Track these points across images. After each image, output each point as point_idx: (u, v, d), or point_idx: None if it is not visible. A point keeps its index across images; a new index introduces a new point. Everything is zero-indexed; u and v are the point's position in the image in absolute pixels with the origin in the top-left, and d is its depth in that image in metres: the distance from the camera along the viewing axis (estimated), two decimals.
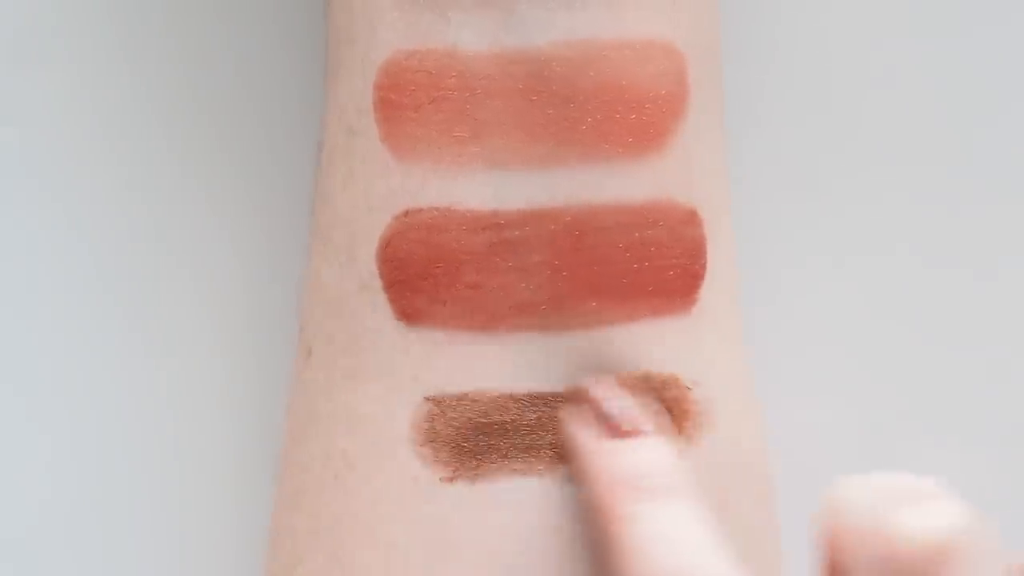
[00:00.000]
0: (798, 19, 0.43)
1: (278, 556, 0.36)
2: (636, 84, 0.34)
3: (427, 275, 0.34)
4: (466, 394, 0.34)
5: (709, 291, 0.35)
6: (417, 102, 0.34)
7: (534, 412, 0.34)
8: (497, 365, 0.34)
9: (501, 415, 0.34)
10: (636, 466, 0.32)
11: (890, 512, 0.28)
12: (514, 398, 0.34)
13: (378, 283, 0.34)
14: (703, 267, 0.35)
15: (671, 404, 0.35)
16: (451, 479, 0.34)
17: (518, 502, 0.34)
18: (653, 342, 0.34)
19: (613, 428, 0.33)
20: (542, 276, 0.34)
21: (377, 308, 0.34)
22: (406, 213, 0.34)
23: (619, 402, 0.34)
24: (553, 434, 0.34)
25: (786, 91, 0.43)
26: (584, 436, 0.33)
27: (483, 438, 0.34)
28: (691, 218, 0.35)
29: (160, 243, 0.42)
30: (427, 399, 0.34)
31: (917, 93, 0.43)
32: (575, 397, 0.34)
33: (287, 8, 0.42)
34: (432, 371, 0.34)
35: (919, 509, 0.28)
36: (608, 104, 0.34)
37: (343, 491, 0.34)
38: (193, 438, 0.43)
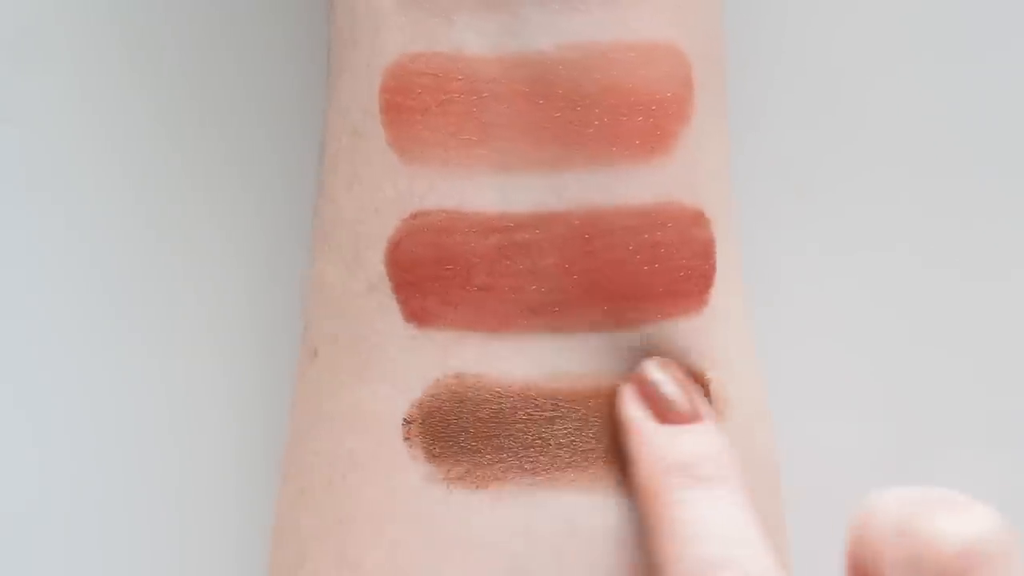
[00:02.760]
0: (800, 21, 0.43)
1: (283, 554, 0.36)
2: (642, 87, 0.34)
3: (437, 277, 0.34)
4: (476, 393, 0.34)
5: (719, 291, 0.35)
6: (424, 105, 0.34)
7: (544, 413, 0.34)
8: (507, 367, 0.34)
9: (511, 416, 0.34)
10: (690, 452, 0.33)
11: (923, 516, 0.28)
12: (524, 399, 0.34)
13: (387, 285, 0.34)
14: (713, 267, 0.35)
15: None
16: (458, 482, 0.34)
17: (526, 504, 0.34)
18: (665, 343, 0.34)
19: (669, 412, 0.34)
20: (552, 278, 0.34)
21: (386, 310, 0.34)
22: (414, 216, 0.34)
23: (676, 386, 0.34)
24: (563, 436, 0.34)
25: (788, 92, 0.43)
26: (640, 418, 0.34)
27: (493, 439, 0.34)
28: (699, 219, 0.35)
29: (163, 244, 0.42)
30: (433, 396, 0.34)
31: (919, 94, 0.43)
32: (633, 379, 0.34)
33: (289, 9, 0.42)
34: (441, 372, 0.34)
35: (951, 514, 0.28)
36: (614, 107, 0.34)
37: (349, 490, 0.34)
38: (197, 437, 0.43)
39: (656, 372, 0.34)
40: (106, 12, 0.42)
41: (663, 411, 0.34)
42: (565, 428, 0.34)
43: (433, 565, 0.34)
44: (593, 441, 0.34)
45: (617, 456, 0.34)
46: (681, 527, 0.32)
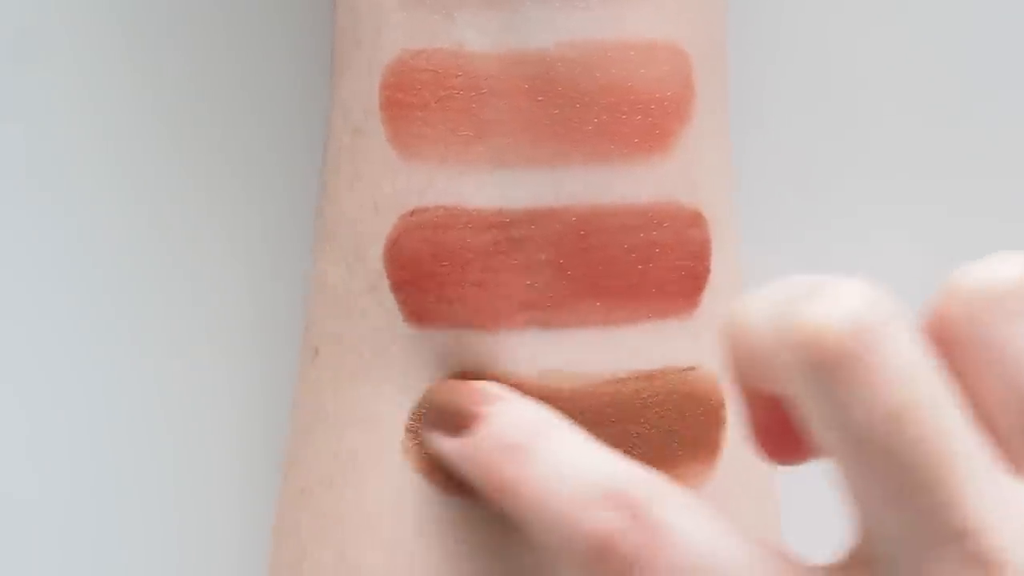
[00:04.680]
0: (802, 20, 0.43)
1: (283, 553, 0.36)
2: (641, 85, 0.34)
3: (433, 274, 0.34)
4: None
5: (713, 293, 0.35)
6: (423, 101, 0.34)
7: None
8: (502, 365, 0.34)
9: None
10: (500, 436, 0.32)
11: (795, 305, 0.26)
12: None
13: (386, 283, 0.34)
14: (707, 269, 0.35)
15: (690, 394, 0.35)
16: (455, 492, 0.34)
17: None
18: (656, 343, 0.34)
19: (460, 420, 0.33)
20: (548, 275, 0.34)
21: (386, 308, 0.34)
22: (413, 213, 0.34)
23: (450, 395, 0.33)
24: None
25: (790, 92, 0.43)
26: (444, 445, 0.33)
27: None
28: (696, 220, 0.35)
29: (165, 243, 0.42)
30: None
31: (921, 94, 0.43)
32: (420, 419, 0.34)
33: (291, 8, 0.42)
34: (441, 371, 0.34)
35: (824, 296, 0.26)
36: (613, 105, 0.34)
37: (350, 490, 0.34)
38: (197, 436, 0.43)
39: (434, 396, 0.34)
40: (107, 11, 0.42)
41: (459, 424, 0.33)
42: None
43: (432, 567, 0.33)
44: None
45: None
46: (533, 487, 0.30)
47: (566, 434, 0.31)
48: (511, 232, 0.34)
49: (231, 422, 0.43)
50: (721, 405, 0.35)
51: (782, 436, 0.30)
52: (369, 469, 0.34)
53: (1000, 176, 0.44)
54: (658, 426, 0.34)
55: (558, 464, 0.30)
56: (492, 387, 0.33)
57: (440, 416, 0.33)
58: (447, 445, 0.33)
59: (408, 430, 0.34)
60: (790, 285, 0.28)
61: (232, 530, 0.43)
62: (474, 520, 0.33)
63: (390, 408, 0.34)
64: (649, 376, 0.34)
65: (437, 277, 0.34)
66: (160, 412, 0.43)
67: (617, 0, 0.34)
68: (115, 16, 0.42)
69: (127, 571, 0.43)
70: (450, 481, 0.33)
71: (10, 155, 0.42)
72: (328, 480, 0.35)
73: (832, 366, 0.26)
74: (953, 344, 0.27)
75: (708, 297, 0.35)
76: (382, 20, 0.34)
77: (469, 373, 0.34)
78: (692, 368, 0.35)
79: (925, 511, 0.26)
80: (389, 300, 0.34)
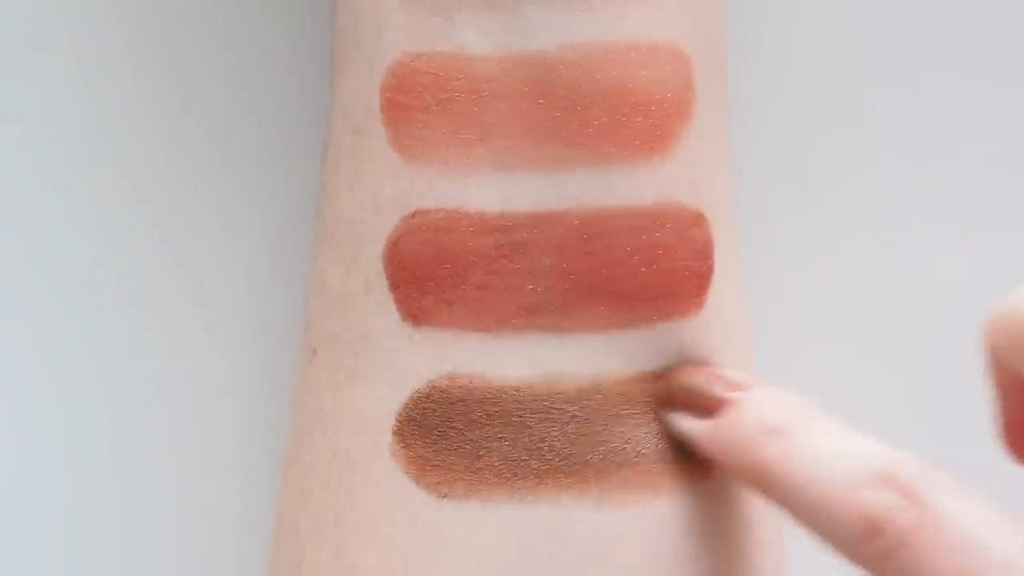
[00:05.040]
0: (802, 19, 0.43)
1: (282, 554, 0.36)
2: (642, 87, 0.34)
3: (434, 276, 0.34)
4: (469, 395, 0.34)
5: (717, 292, 0.35)
6: (425, 103, 0.34)
7: (538, 416, 0.34)
8: (502, 367, 0.34)
9: (505, 419, 0.34)
10: (752, 419, 0.32)
11: None
12: (517, 401, 0.34)
13: (384, 283, 0.34)
14: (710, 269, 0.35)
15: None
16: (450, 486, 0.34)
17: (519, 510, 0.33)
18: (661, 344, 0.34)
19: (715, 404, 0.34)
20: (550, 278, 0.34)
21: (383, 308, 0.34)
22: (414, 214, 0.34)
23: (702, 378, 0.34)
24: (557, 440, 0.34)
25: (790, 91, 0.43)
26: (696, 427, 0.34)
27: (486, 442, 0.34)
28: (698, 220, 0.35)
29: (165, 243, 0.42)
30: (425, 397, 0.34)
31: (921, 93, 0.43)
32: (667, 399, 0.34)
33: (292, 9, 0.42)
34: (437, 372, 0.34)
35: None
36: (614, 107, 0.34)
37: (346, 491, 0.34)
38: (198, 436, 0.43)
39: (684, 381, 0.34)
40: (107, 11, 0.42)
41: (709, 407, 0.34)
42: (559, 432, 0.34)
43: (426, 569, 0.33)
44: (586, 446, 0.34)
45: (611, 461, 0.34)
46: (789, 476, 0.31)
47: (824, 420, 0.32)
48: (513, 235, 0.34)
49: (231, 422, 0.43)
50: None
51: None
52: (364, 471, 0.34)
53: (1002, 175, 0.44)
54: (662, 425, 0.34)
55: (822, 445, 0.31)
56: (740, 374, 0.34)
57: (690, 397, 0.34)
58: (697, 427, 0.33)
59: (395, 433, 0.34)
60: None
61: (232, 530, 0.43)
62: (466, 522, 0.33)
63: (384, 409, 0.34)
64: (655, 376, 0.34)
65: (438, 279, 0.34)
66: (160, 412, 0.43)
67: (618, 1, 0.34)
68: (115, 16, 0.42)
69: (127, 571, 0.43)
70: (440, 484, 0.34)
71: (10, 155, 0.42)
72: (325, 481, 0.35)
73: None
74: None
75: (711, 297, 0.35)
76: (383, 21, 0.34)
77: (467, 375, 0.34)
78: (698, 368, 0.35)
79: None
80: (386, 300, 0.34)
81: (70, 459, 0.43)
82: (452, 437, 0.34)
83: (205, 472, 0.43)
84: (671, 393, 0.34)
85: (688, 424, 0.34)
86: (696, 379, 0.34)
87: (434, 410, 0.34)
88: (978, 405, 0.43)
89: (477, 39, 0.34)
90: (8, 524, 0.43)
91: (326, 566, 0.34)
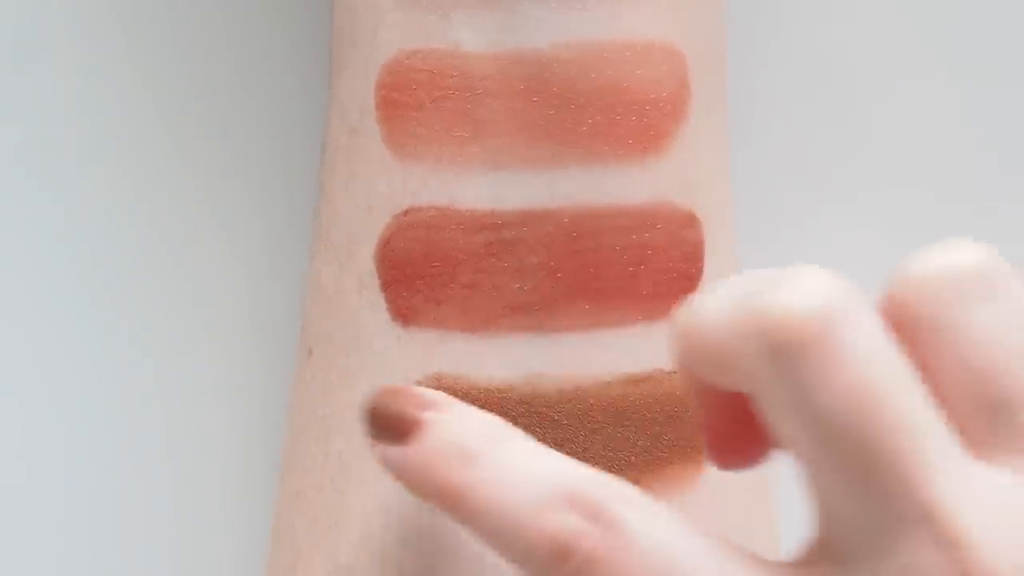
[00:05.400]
0: (800, 19, 0.43)
1: (279, 556, 0.36)
2: (637, 86, 0.34)
3: (424, 274, 0.34)
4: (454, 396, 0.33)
5: None
6: (419, 101, 0.34)
7: (520, 419, 0.34)
8: (487, 368, 0.34)
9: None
10: (448, 442, 0.30)
11: (758, 294, 0.26)
12: (500, 403, 0.34)
13: (376, 282, 0.34)
14: (700, 270, 0.35)
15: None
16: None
17: None
18: (647, 345, 0.34)
19: (399, 429, 0.31)
20: (538, 277, 0.34)
21: (374, 307, 0.34)
22: (406, 212, 0.34)
23: (400, 396, 0.32)
24: (545, 441, 0.34)
25: (789, 91, 0.43)
26: (388, 453, 0.31)
27: None
28: (690, 221, 0.34)
29: (163, 242, 0.42)
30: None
31: (920, 93, 0.43)
32: (366, 424, 0.32)
33: (290, 9, 0.42)
34: (426, 373, 0.34)
35: (788, 283, 0.26)
36: (608, 106, 0.34)
37: (339, 493, 0.34)
38: (197, 437, 0.43)
39: (369, 407, 0.32)
40: (107, 11, 0.42)
41: (402, 431, 0.31)
42: (541, 434, 0.34)
43: (419, 571, 0.33)
44: (568, 450, 0.34)
45: (595, 463, 0.34)
46: (476, 503, 0.29)
47: (516, 440, 0.30)
48: (503, 234, 0.33)
49: (231, 422, 0.43)
50: None
51: (734, 437, 0.29)
52: (353, 473, 0.34)
53: (999, 173, 0.43)
54: (647, 429, 0.34)
55: (510, 468, 0.29)
56: (435, 393, 0.32)
57: (380, 424, 0.31)
58: (389, 454, 0.31)
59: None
60: (746, 280, 0.28)
61: (231, 531, 0.43)
62: (456, 526, 0.33)
63: None
64: (638, 379, 0.34)
65: (427, 278, 0.33)
66: (159, 413, 0.43)
67: (613, 0, 0.34)
68: (115, 16, 0.42)
69: (127, 571, 0.43)
70: None
71: (10, 155, 0.42)
72: (319, 483, 0.35)
73: (797, 350, 0.26)
74: (910, 329, 0.27)
75: None
76: (379, 20, 0.34)
77: (451, 376, 0.34)
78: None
79: (888, 494, 0.25)
80: (378, 299, 0.34)
81: (69, 459, 0.43)
82: None
83: (204, 472, 0.43)
84: (365, 416, 0.32)
85: (382, 452, 0.31)
86: (386, 401, 0.31)
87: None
88: None
89: (472, 37, 0.34)
90: (8, 524, 0.43)
91: (321, 568, 0.34)
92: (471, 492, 0.29)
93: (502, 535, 0.29)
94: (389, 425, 0.31)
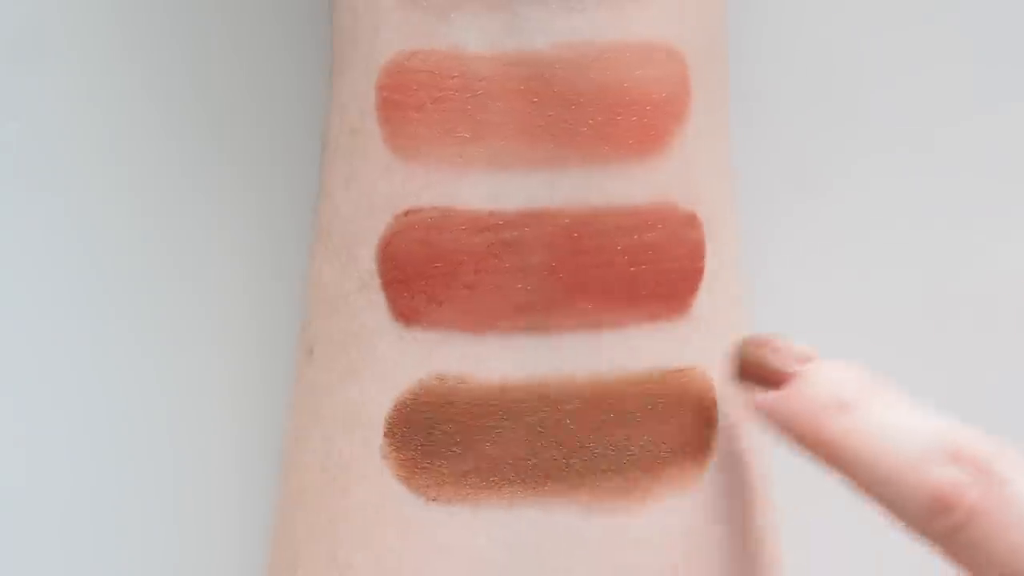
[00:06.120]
0: (802, 19, 0.43)
1: (280, 555, 0.36)
2: (637, 86, 0.34)
3: (425, 275, 0.34)
4: (457, 396, 0.34)
5: (707, 294, 0.35)
6: (419, 102, 0.34)
7: (525, 418, 0.34)
8: (489, 368, 0.34)
9: (491, 421, 0.34)
10: (820, 391, 0.32)
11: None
12: (503, 403, 0.34)
13: (377, 282, 0.34)
14: (700, 271, 0.35)
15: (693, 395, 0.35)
16: (438, 489, 0.34)
17: (508, 513, 0.33)
18: (649, 345, 0.34)
19: (782, 376, 0.33)
20: (539, 277, 0.34)
21: (375, 308, 0.34)
22: (407, 213, 0.34)
23: (772, 351, 0.34)
24: (543, 441, 0.34)
25: (790, 91, 0.43)
26: (767, 400, 0.33)
27: (473, 445, 0.34)
28: (691, 221, 0.34)
29: (163, 242, 0.42)
30: (414, 399, 0.34)
31: (921, 93, 0.43)
32: (734, 372, 0.35)
33: (291, 9, 0.42)
34: (427, 373, 0.34)
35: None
36: (609, 106, 0.34)
37: (339, 492, 0.34)
38: (197, 437, 0.43)
39: (749, 351, 0.34)
40: (107, 11, 0.42)
41: (775, 379, 0.34)
42: (544, 437, 0.34)
43: (418, 571, 0.33)
44: (572, 451, 0.34)
45: (597, 467, 0.34)
46: (860, 446, 0.31)
47: (892, 393, 0.32)
48: (504, 234, 0.33)
49: (232, 422, 0.43)
50: (713, 406, 0.35)
51: None
52: (355, 471, 0.34)
53: (1000, 175, 0.44)
54: (650, 428, 0.34)
55: (890, 419, 0.31)
56: (807, 348, 0.34)
57: (756, 370, 0.34)
58: (763, 399, 0.33)
59: (385, 435, 0.34)
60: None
61: (232, 530, 0.43)
62: (456, 525, 0.33)
63: (376, 410, 0.34)
64: (641, 379, 0.34)
65: (429, 278, 0.34)
66: (159, 412, 0.43)
67: (614, 1, 0.34)
68: (115, 16, 0.42)
69: (127, 571, 0.43)
70: (429, 487, 0.33)
71: (10, 155, 0.42)
72: (320, 482, 0.35)
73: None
74: None
75: (702, 298, 0.35)
76: (380, 20, 0.34)
77: (454, 376, 0.34)
78: (683, 369, 0.34)
79: None
80: (379, 299, 0.34)
81: (69, 459, 0.43)
82: (439, 440, 0.34)
83: (206, 472, 0.43)
84: (736, 364, 0.34)
85: (755, 398, 0.34)
86: (761, 351, 0.34)
87: (423, 412, 0.34)
88: (980, 402, 0.43)
89: (473, 38, 0.34)
90: (9, 524, 0.43)
91: (322, 566, 0.34)
92: (851, 441, 0.31)
93: (883, 485, 0.31)
94: (763, 374, 0.34)
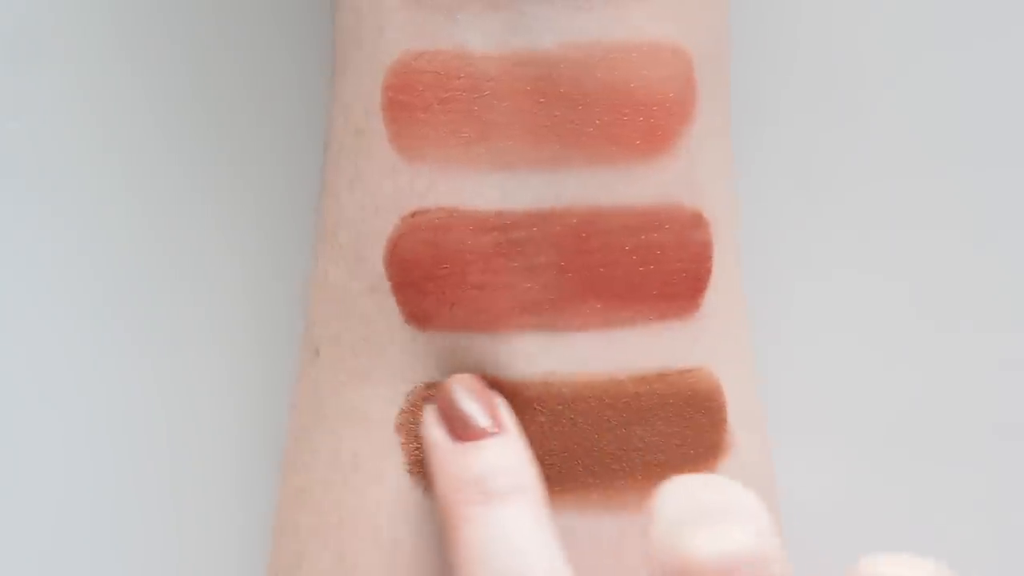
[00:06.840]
0: (805, 20, 0.43)
1: (282, 554, 0.36)
2: (644, 86, 0.34)
3: (434, 276, 0.34)
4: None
5: (714, 294, 0.35)
6: (426, 103, 0.34)
7: (538, 419, 0.34)
8: (501, 367, 0.34)
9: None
10: (482, 467, 0.32)
11: (688, 531, 0.28)
12: (515, 404, 0.34)
13: (387, 285, 0.34)
14: (708, 270, 0.35)
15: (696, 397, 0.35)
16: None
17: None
18: (658, 344, 0.34)
19: (466, 429, 0.33)
20: (547, 277, 0.34)
21: (386, 310, 0.34)
22: (413, 214, 0.34)
23: (473, 401, 0.33)
24: (552, 441, 0.34)
25: (792, 92, 0.43)
26: (438, 439, 0.33)
27: None
28: (697, 221, 0.35)
29: (165, 242, 0.42)
30: (425, 398, 0.34)
31: (924, 95, 0.43)
32: (436, 398, 0.34)
33: (293, 8, 0.42)
34: (440, 373, 0.34)
35: (714, 530, 0.28)
36: (615, 106, 0.34)
37: (350, 491, 0.34)
38: (197, 436, 0.43)
39: (454, 389, 0.34)
40: (107, 11, 0.42)
41: (460, 429, 0.33)
42: (554, 436, 0.34)
43: (431, 567, 0.33)
44: (582, 451, 0.34)
45: (607, 467, 0.34)
46: (467, 546, 0.31)
47: (529, 508, 0.32)
48: (512, 234, 0.34)
49: (231, 422, 0.43)
50: (723, 406, 0.35)
51: None
52: (367, 471, 0.34)
53: (1001, 175, 0.44)
54: (660, 428, 0.34)
55: (501, 536, 0.31)
56: (505, 412, 0.33)
57: (450, 413, 0.33)
58: (436, 436, 0.33)
59: (398, 434, 0.34)
60: (703, 492, 0.29)
61: (232, 530, 0.42)
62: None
63: (388, 409, 0.34)
64: (650, 378, 0.34)
65: (437, 279, 0.34)
66: (160, 412, 0.43)
67: (620, 1, 0.34)
68: (115, 16, 0.42)
69: (127, 571, 0.43)
70: None
71: (10, 155, 0.42)
72: (327, 481, 0.35)
73: None
74: None
75: (710, 298, 0.35)
76: (384, 20, 0.34)
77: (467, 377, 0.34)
78: (694, 369, 0.35)
79: None
80: (389, 301, 0.34)
81: (69, 459, 0.43)
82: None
83: (206, 472, 0.43)
84: (438, 394, 0.34)
85: (431, 431, 0.33)
86: (465, 395, 0.34)
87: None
88: (979, 405, 0.44)
89: (478, 38, 0.34)
90: (9, 523, 0.43)
91: (328, 566, 0.34)
92: (462, 531, 0.32)
93: None
94: (455, 418, 0.33)
